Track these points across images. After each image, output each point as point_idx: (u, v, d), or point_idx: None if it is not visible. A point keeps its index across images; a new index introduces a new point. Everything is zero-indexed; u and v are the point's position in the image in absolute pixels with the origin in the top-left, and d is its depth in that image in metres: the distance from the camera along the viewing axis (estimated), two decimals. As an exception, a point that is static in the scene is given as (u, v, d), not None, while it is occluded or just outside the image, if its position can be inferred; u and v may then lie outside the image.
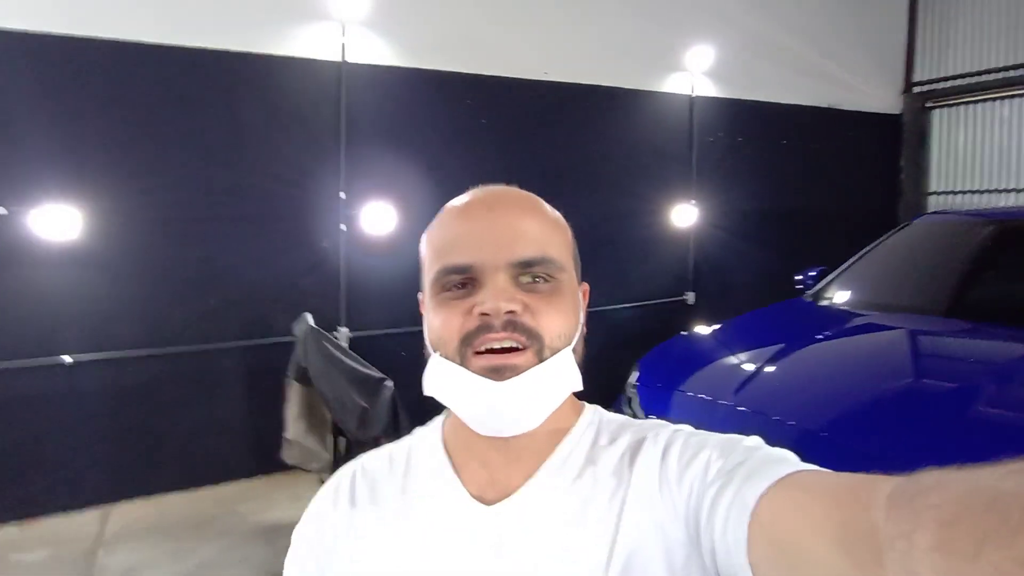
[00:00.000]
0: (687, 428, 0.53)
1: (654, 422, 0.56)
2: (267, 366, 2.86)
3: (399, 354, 3.29)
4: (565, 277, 0.52)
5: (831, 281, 2.50)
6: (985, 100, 4.75)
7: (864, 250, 2.58)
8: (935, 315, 2.01)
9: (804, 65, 4.46)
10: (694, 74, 4.00)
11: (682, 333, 2.33)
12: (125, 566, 2.25)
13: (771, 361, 1.78)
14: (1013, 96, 4.60)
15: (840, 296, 2.37)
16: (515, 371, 0.48)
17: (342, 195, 3.07)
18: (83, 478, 2.65)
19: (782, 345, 1.87)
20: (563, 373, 0.51)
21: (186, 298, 2.80)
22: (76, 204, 2.51)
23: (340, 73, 3.04)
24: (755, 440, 0.48)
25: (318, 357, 2.23)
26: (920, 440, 1.39)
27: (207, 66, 2.77)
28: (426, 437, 0.59)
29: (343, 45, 3.04)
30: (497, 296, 0.48)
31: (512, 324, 0.48)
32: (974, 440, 1.40)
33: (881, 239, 2.60)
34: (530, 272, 0.50)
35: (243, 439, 2.95)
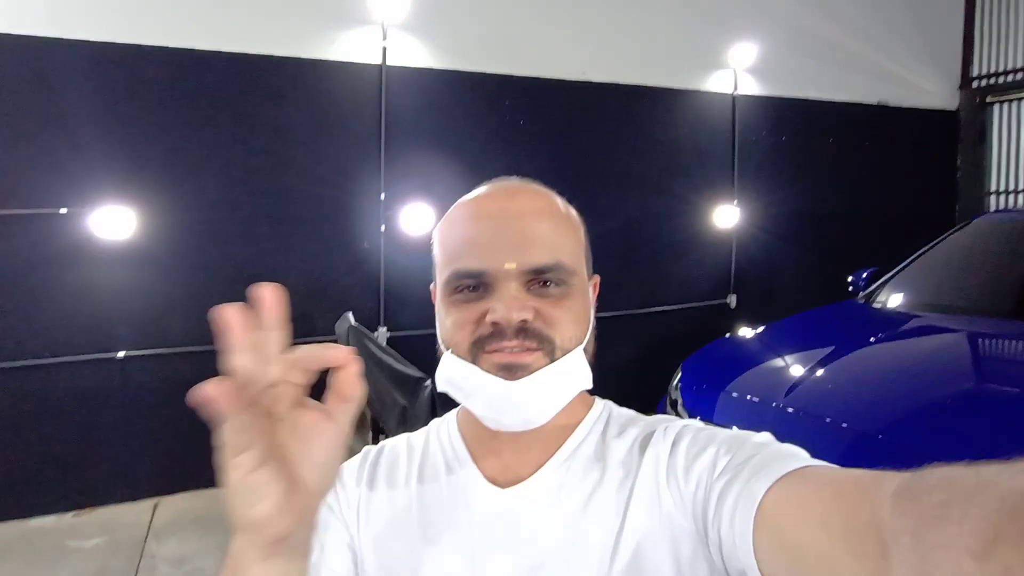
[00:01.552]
0: (697, 423, 0.53)
1: (663, 417, 0.56)
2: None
3: (437, 354, 3.32)
4: (576, 280, 0.52)
5: (885, 282, 2.39)
6: (1051, 94, 4.48)
7: (920, 251, 2.46)
8: (996, 316, 1.90)
9: (852, 60, 4.30)
10: (737, 72, 3.90)
11: (727, 335, 2.26)
12: (176, 555, 2.32)
13: (823, 363, 1.71)
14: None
15: (895, 298, 2.26)
16: (527, 370, 0.49)
17: (382, 196, 3.11)
18: (135, 470, 2.76)
19: (833, 347, 1.79)
20: (573, 372, 0.51)
21: (233, 296, 2.82)
22: (131, 205, 2.62)
23: (381, 76, 3.09)
24: (765, 436, 0.48)
25: (360, 355, 2.26)
26: (979, 444, 1.31)
27: (253, 71, 2.86)
28: (442, 427, 0.60)
29: (384, 48, 3.09)
30: (509, 306, 0.49)
31: (524, 331, 0.49)
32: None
33: (938, 239, 2.47)
34: (542, 278, 0.50)
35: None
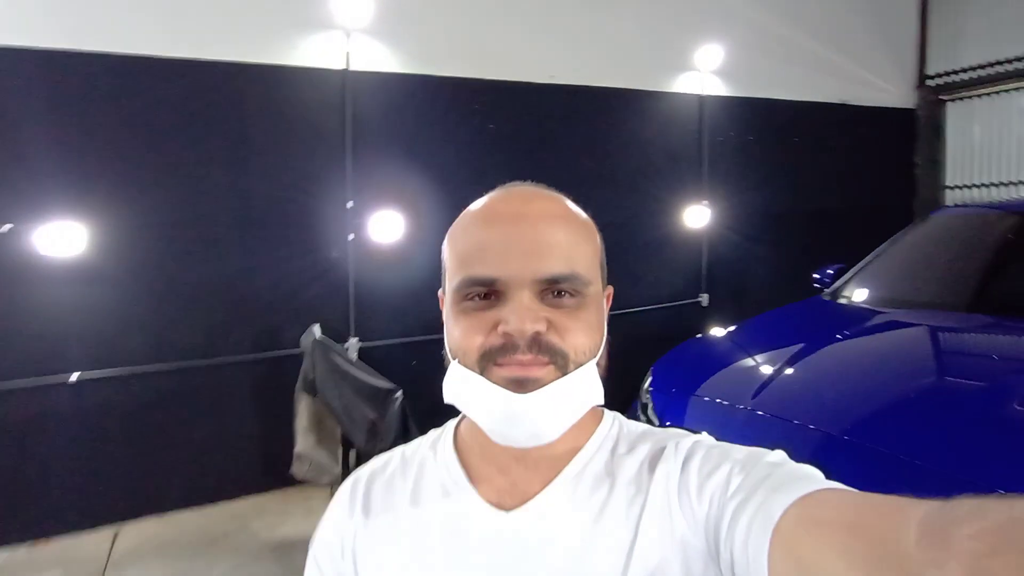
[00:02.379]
0: (709, 439, 0.52)
1: (675, 432, 0.55)
2: (277, 379, 2.84)
3: (410, 364, 3.26)
4: (591, 291, 0.50)
5: (849, 279, 2.43)
6: (1000, 92, 4.65)
7: (882, 246, 2.51)
8: (957, 311, 1.94)
9: (815, 61, 4.40)
10: (703, 73, 3.95)
11: (697, 336, 2.27)
12: (136, 584, 2.22)
13: (790, 363, 1.72)
14: (1030, 86, 4.49)
15: (859, 294, 2.30)
16: (537, 384, 0.47)
17: (350, 204, 3.05)
18: (93, 497, 2.64)
19: (801, 346, 1.80)
20: (585, 387, 0.49)
21: (193, 312, 2.79)
22: (81, 219, 2.51)
23: (345, 81, 3.03)
24: (779, 455, 0.47)
25: (325, 369, 2.20)
26: (949, 443, 1.33)
27: (211, 78, 2.77)
28: (439, 444, 0.57)
29: (347, 53, 3.03)
30: (522, 316, 0.47)
31: (537, 344, 0.47)
32: (1007, 441, 1.33)
33: (898, 235, 2.53)
34: (556, 288, 0.48)
35: (255, 453, 2.93)
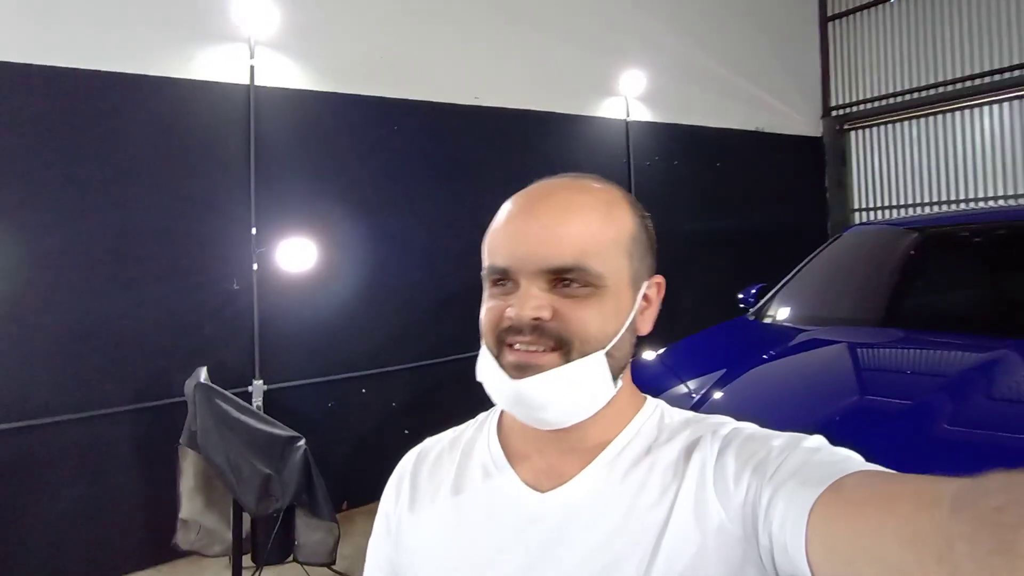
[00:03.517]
0: (750, 426, 0.53)
1: (717, 419, 0.55)
2: (165, 432, 2.47)
3: (325, 406, 2.99)
4: (608, 282, 0.51)
5: (771, 298, 2.43)
6: (895, 121, 5.02)
7: (801, 265, 2.54)
8: (873, 325, 1.96)
9: (731, 90, 4.58)
10: (628, 99, 4.00)
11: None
12: None
13: (717, 386, 1.64)
14: (919, 116, 4.88)
15: (782, 312, 2.29)
16: (537, 370, 0.50)
17: (254, 230, 2.79)
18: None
19: (726, 368, 1.73)
20: (587, 376, 0.51)
21: (63, 358, 2.40)
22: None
23: (249, 97, 2.80)
24: (818, 440, 0.48)
25: (209, 419, 1.91)
26: (873, 459, 1.26)
27: (90, 89, 2.47)
28: (484, 426, 0.61)
29: (251, 67, 2.81)
30: (524, 304, 0.50)
31: (539, 329, 0.50)
32: (938, 461, 1.28)
33: (815, 253, 2.57)
34: (565, 278, 0.50)
35: (136, 522, 2.51)
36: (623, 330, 0.52)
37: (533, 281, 0.50)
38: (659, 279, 0.57)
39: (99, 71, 2.48)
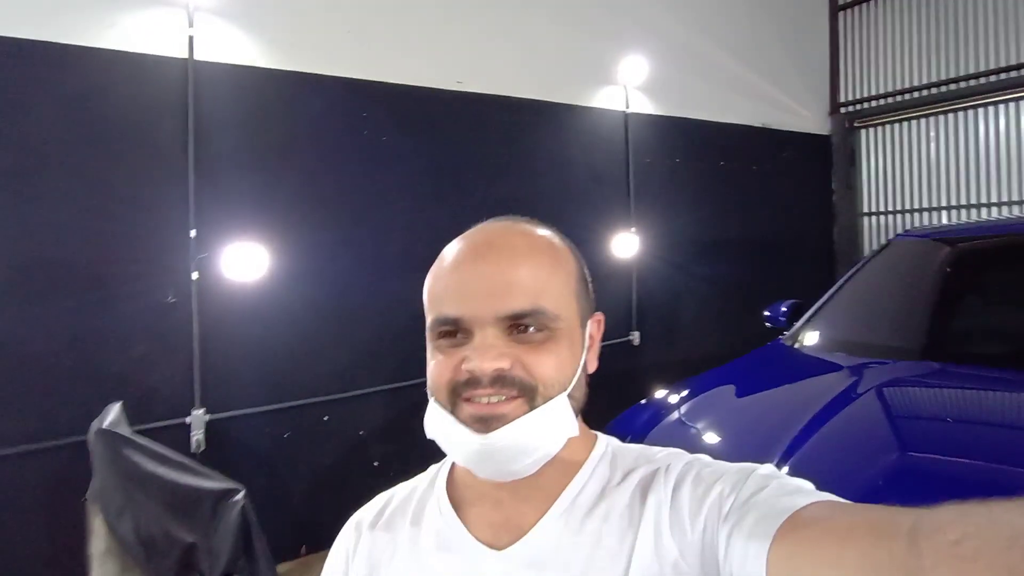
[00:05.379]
0: (702, 459, 0.52)
1: (668, 452, 0.54)
2: (80, 478, 2.00)
3: (280, 437, 2.55)
4: (561, 324, 0.51)
5: (810, 319, 2.04)
6: (907, 119, 4.72)
7: (842, 280, 2.16)
8: (955, 362, 1.58)
9: (736, 82, 4.22)
10: (628, 88, 3.61)
11: (641, 402, 1.75)
12: None
13: (784, 457, 1.24)
14: (933, 114, 4.58)
15: (826, 338, 1.91)
16: (502, 421, 0.49)
17: (193, 233, 2.33)
18: None
19: (783, 425, 1.33)
20: (554, 421, 0.50)
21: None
22: None
23: (187, 73, 2.34)
24: (769, 468, 0.48)
25: (111, 477, 1.47)
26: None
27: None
28: (436, 480, 0.59)
29: (191, 38, 2.35)
30: (483, 354, 0.49)
31: (501, 380, 0.49)
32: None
33: (858, 265, 2.20)
34: (521, 324, 0.50)
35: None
36: (579, 370, 0.53)
37: (488, 330, 0.49)
38: (599, 316, 0.57)
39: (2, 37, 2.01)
